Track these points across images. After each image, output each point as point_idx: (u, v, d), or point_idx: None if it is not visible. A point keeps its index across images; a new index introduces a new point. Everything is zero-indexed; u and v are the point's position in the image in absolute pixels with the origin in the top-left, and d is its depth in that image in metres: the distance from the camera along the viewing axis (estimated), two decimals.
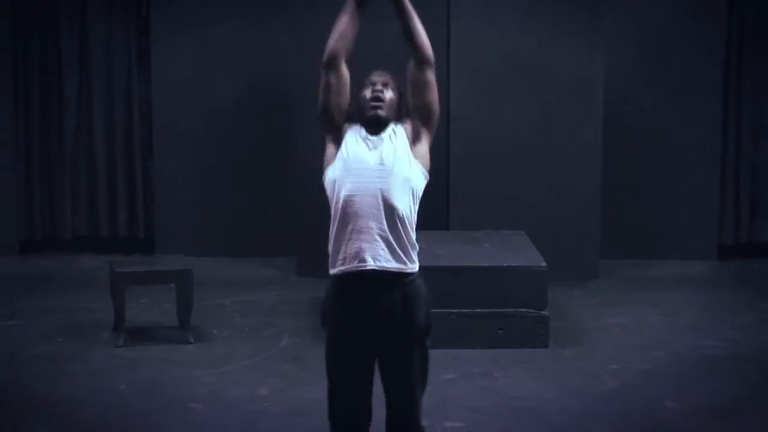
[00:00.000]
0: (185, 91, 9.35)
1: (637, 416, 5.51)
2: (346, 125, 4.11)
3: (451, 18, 8.45)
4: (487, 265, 6.85)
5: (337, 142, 4.08)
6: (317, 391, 5.57)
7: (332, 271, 4.01)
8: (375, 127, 4.04)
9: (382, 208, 3.91)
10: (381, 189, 3.91)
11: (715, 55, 9.07)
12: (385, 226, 3.90)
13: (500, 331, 6.66)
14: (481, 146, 8.50)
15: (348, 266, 3.92)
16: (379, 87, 4.14)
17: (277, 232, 9.19)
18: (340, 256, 3.95)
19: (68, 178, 9.54)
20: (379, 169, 3.95)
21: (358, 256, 3.89)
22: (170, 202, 9.45)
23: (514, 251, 7.16)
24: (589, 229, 8.58)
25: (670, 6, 9.06)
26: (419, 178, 4.01)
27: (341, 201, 3.96)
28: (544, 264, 6.79)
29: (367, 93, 4.13)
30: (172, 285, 6.94)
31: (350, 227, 3.92)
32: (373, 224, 3.90)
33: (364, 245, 3.89)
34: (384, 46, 8.59)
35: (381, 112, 4.06)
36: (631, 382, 6.06)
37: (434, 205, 8.65)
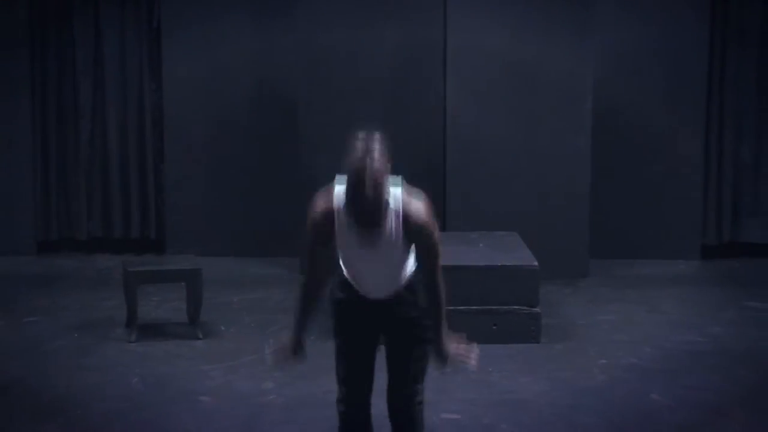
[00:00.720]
0: (194, 99, 9.35)
1: (625, 408, 5.50)
2: (335, 201, 3.81)
3: (447, 28, 8.45)
4: (482, 264, 6.84)
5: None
6: (320, 384, 5.58)
7: (334, 297, 4.10)
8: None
9: (382, 262, 3.93)
10: (378, 258, 3.89)
11: (699, 65, 9.06)
12: (385, 271, 3.97)
13: (494, 328, 6.65)
14: (477, 151, 8.50)
15: (350, 295, 4.04)
16: (370, 194, 3.57)
17: (282, 233, 9.18)
18: (345, 289, 4.05)
19: (83, 182, 9.53)
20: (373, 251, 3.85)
21: (361, 290, 4.01)
22: (180, 204, 9.45)
23: (508, 251, 7.15)
24: (579, 230, 8.57)
25: (655, 17, 9.04)
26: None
27: (341, 257, 4.01)
28: (536, 263, 6.78)
29: (364, 191, 3.59)
30: (182, 283, 6.95)
31: (353, 271, 4.01)
32: (373, 271, 3.96)
33: (367, 284, 3.99)
34: (384, 45, 8.66)
35: (380, 225, 3.70)
36: (619, 375, 6.05)
37: (432, 207, 8.66)
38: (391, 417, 4.21)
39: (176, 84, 9.36)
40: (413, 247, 3.97)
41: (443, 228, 8.38)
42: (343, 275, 4.06)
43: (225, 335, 6.91)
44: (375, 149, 3.65)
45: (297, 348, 4.07)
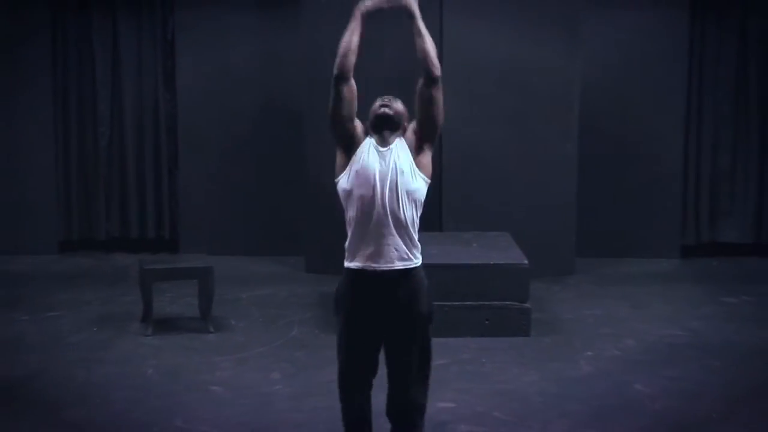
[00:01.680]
0: (206, 107, 9.36)
1: (610, 397, 5.50)
2: (361, 135, 4.20)
3: (443, 41, 8.45)
4: (475, 262, 6.84)
5: (348, 149, 4.16)
6: (324, 375, 5.58)
7: (348, 265, 4.10)
8: (384, 126, 4.15)
9: (389, 217, 4.03)
10: (388, 202, 4.02)
11: (678, 79, 9.07)
12: (393, 232, 4.03)
13: (487, 322, 6.65)
14: (471, 157, 8.50)
15: (363, 264, 4.04)
16: (386, 100, 4.27)
17: (288, 234, 9.19)
18: (357, 255, 4.06)
19: (102, 186, 9.54)
20: (386, 184, 4.03)
21: (372, 258, 4.03)
22: (193, 206, 9.46)
23: (500, 250, 7.15)
24: (566, 230, 8.57)
25: (638, 33, 9.05)
26: (421, 188, 4.13)
27: (355, 210, 4.06)
28: (526, 262, 6.78)
29: (377, 103, 4.26)
30: (195, 280, 6.94)
31: (364, 232, 4.04)
32: (383, 231, 4.02)
33: (376, 249, 4.02)
34: (383, 59, 8.66)
35: (388, 111, 4.18)
36: (604, 367, 6.05)
37: (429, 209, 8.64)
38: (390, 419, 4.23)
39: (189, 94, 9.37)
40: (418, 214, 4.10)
41: (439, 228, 8.41)
42: (351, 262, 4.04)
43: (235, 329, 6.91)
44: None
45: None
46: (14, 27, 9.25)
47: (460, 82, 8.44)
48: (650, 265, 8.92)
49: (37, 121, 9.39)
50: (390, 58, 8.54)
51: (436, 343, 6.08)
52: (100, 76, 9.42)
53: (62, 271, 8.83)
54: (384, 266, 4.01)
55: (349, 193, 4.07)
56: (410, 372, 4.14)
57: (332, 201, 8.61)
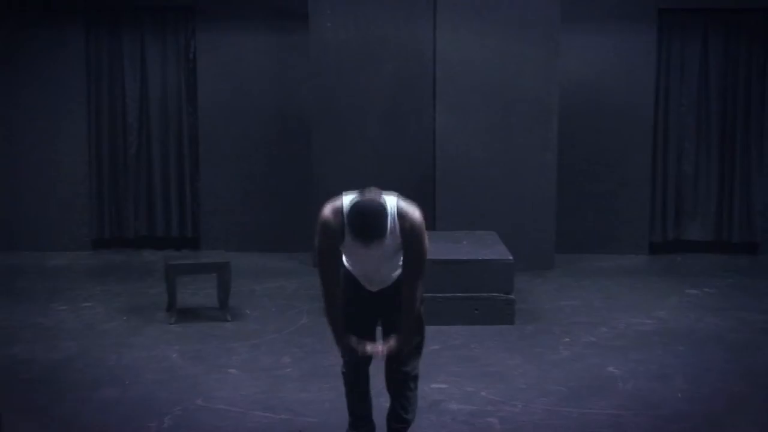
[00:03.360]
0: (224, 119, 9.37)
1: (585, 379, 5.51)
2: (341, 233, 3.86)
3: (436, 60, 8.46)
4: (465, 258, 6.85)
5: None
6: (330, 359, 5.58)
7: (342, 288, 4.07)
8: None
9: (381, 259, 3.95)
10: (377, 255, 3.89)
11: (646, 93, 9.09)
12: (382, 270, 4.01)
13: (476, 311, 6.66)
14: (462, 163, 8.51)
15: (355, 289, 4.05)
16: (371, 222, 3.75)
17: (297, 232, 9.19)
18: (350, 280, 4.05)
19: (131, 189, 9.54)
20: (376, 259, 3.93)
21: (366, 283, 4.04)
22: (213, 207, 9.46)
23: (487, 247, 7.16)
24: (546, 229, 8.57)
25: (609, 51, 9.06)
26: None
27: (346, 258, 4.02)
28: (510, 257, 6.80)
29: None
30: (214, 274, 6.95)
31: (356, 269, 4.03)
32: (373, 269, 4.01)
33: (368, 280, 4.02)
34: (383, 76, 8.68)
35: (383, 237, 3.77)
36: (580, 352, 6.06)
37: (424, 210, 8.65)
38: (389, 391, 4.23)
39: (209, 107, 9.37)
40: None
41: (433, 227, 8.40)
42: (348, 271, 4.06)
43: (250, 318, 6.91)
44: (373, 192, 3.74)
45: (358, 342, 4.02)
46: (52, 46, 9.27)
47: (452, 96, 8.46)
48: (621, 261, 8.93)
49: (73, 132, 9.40)
50: (388, 76, 8.55)
51: (430, 330, 6.10)
52: (129, 92, 9.43)
53: (95, 266, 8.85)
54: (375, 287, 4.04)
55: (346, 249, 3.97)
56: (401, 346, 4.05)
57: None
